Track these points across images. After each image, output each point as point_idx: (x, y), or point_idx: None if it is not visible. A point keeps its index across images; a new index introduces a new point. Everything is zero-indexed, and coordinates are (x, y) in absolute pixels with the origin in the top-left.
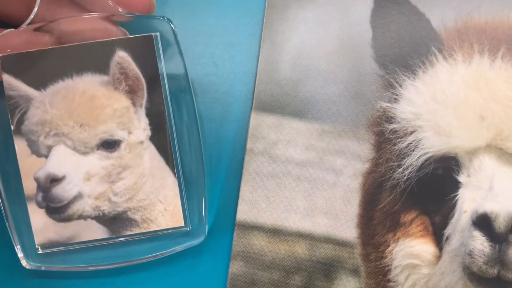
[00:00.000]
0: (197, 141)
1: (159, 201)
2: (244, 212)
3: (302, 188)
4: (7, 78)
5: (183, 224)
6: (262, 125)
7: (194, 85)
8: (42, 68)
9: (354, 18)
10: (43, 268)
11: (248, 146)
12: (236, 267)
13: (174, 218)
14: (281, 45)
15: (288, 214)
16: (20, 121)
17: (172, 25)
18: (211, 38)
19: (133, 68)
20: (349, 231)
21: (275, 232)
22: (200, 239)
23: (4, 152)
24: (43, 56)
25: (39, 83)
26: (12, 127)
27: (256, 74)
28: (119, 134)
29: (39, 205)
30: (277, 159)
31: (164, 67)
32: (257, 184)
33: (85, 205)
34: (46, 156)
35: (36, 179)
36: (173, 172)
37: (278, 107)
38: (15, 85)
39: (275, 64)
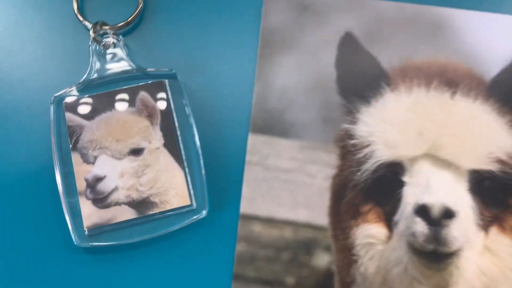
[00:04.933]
0: (194, 145)
1: (171, 187)
2: (246, 207)
3: (287, 188)
4: (68, 115)
5: (189, 203)
6: (257, 143)
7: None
8: (92, 106)
9: (323, 63)
10: (89, 245)
11: (247, 158)
12: (240, 247)
13: (183, 199)
14: (269, 84)
15: (278, 208)
16: (76, 141)
17: (175, 73)
18: (218, 80)
19: (151, 101)
20: (323, 218)
21: (269, 221)
22: (203, 214)
23: (65, 162)
24: (93, 98)
25: (89, 116)
26: (70, 146)
27: (252, 106)
28: (143, 144)
29: (87, 197)
30: (269, 167)
31: (171, 100)
32: (254, 186)
33: (119, 195)
34: (93, 163)
35: (86, 179)
36: (180, 166)
37: (268, 129)
38: (73, 118)
39: (266, 98)
